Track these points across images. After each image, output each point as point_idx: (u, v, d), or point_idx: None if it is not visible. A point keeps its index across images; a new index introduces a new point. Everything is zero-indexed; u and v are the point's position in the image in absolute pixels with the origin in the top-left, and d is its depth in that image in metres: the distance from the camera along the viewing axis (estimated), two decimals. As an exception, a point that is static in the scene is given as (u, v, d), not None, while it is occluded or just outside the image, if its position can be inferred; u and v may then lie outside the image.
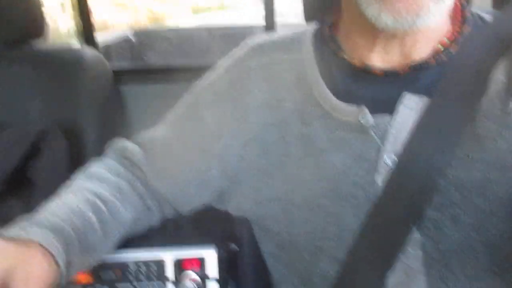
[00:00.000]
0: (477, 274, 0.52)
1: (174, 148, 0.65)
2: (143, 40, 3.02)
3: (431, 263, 0.53)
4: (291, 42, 0.63)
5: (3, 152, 0.94)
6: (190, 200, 0.66)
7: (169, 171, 0.65)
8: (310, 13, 0.73)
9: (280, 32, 0.67)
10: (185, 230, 0.73)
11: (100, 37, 1.46)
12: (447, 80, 0.53)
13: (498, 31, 0.53)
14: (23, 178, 0.98)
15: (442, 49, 0.56)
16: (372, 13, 0.51)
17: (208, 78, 0.67)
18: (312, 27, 0.64)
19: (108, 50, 2.29)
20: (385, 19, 0.50)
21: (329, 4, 0.65)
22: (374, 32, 0.55)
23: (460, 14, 0.58)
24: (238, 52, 0.66)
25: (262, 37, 0.66)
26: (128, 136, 0.70)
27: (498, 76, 0.51)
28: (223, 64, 0.67)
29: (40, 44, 1.08)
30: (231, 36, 2.84)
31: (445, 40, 0.56)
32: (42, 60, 1.05)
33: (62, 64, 1.03)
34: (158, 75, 1.25)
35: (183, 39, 3.07)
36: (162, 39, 3.00)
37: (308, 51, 0.61)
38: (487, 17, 0.58)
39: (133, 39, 2.95)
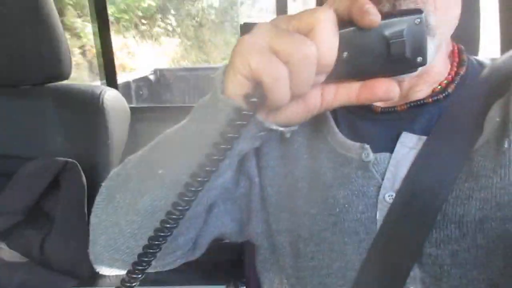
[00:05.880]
0: None
1: None
2: (161, 79, 3.11)
3: None
4: None
5: (24, 184, 0.97)
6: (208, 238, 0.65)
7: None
8: None
9: None
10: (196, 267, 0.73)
11: (121, 77, 1.52)
12: (444, 119, 0.55)
13: (493, 73, 0.55)
14: (40, 210, 1.01)
15: (439, 88, 0.58)
16: None
17: None
18: None
19: (127, 89, 2.37)
20: None
21: None
22: None
23: (458, 57, 0.61)
24: None
25: None
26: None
27: (494, 116, 0.53)
28: None
29: (65, 84, 1.14)
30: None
31: (444, 81, 0.59)
32: (66, 98, 1.11)
33: (84, 103, 1.08)
34: (174, 114, 1.29)
35: (200, 78, 3.14)
36: (179, 79, 3.08)
37: None
38: (487, 62, 0.61)
39: (152, 78, 3.04)
